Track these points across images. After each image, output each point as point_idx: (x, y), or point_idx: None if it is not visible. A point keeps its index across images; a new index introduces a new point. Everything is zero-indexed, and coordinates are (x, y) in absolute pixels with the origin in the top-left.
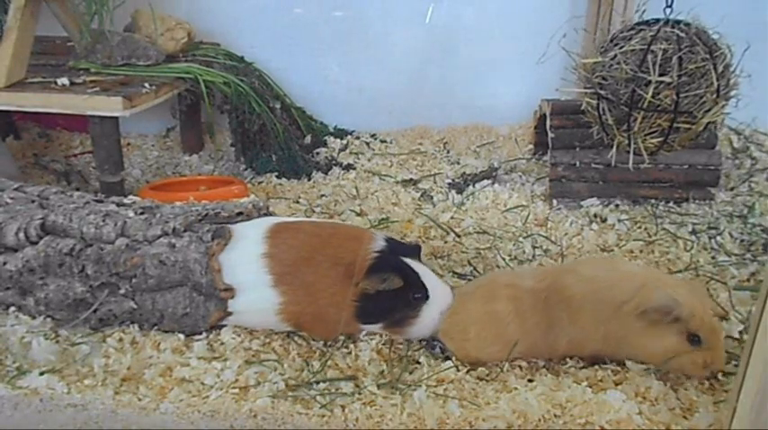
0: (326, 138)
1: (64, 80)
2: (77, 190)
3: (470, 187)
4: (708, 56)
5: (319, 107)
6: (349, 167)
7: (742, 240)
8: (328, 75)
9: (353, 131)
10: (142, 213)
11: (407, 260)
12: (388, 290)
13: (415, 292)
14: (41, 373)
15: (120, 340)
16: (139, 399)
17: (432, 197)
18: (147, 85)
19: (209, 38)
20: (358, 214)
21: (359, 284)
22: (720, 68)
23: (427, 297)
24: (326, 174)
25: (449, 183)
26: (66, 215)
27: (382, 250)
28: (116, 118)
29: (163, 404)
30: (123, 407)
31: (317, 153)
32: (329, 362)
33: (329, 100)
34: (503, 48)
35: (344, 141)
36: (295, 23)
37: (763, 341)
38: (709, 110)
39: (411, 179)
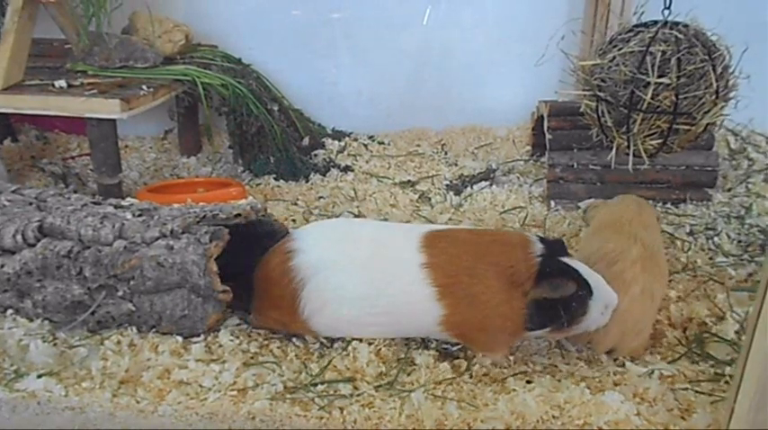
0: (324, 139)
1: (61, 82)
2: (75, 192)
3: (468, 188)
4: (707, 57)
5: (317, 109)
6: (347, 169)
7: (739, 241)
8: (326, 77)
9: (351, 133)
10: (140, 215)
11: (565, 259)
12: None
13: (581, 290)
14: (39, 376)
15: (118, 342)
16: (137, 402)
17: (430, 199)
18: (144, 87)
19: (207, 40)
20: (356, 216)
21: (529, 293)
22: (719, 70)
23: (591, 292)
24: (324, 175)
25: (447, 185)
26: (64, 217)
27: (543, 254)
28: (114, 120)
29: (161, 406)
30: (121, 409)
31: (315, 155)
32: (328, 364)
33: (327, 102)
34: (500, 49)
35: (342, 143)
36: (293, 25)
37: (761, 341)
38: (708, 111)
39: (409, 181)
